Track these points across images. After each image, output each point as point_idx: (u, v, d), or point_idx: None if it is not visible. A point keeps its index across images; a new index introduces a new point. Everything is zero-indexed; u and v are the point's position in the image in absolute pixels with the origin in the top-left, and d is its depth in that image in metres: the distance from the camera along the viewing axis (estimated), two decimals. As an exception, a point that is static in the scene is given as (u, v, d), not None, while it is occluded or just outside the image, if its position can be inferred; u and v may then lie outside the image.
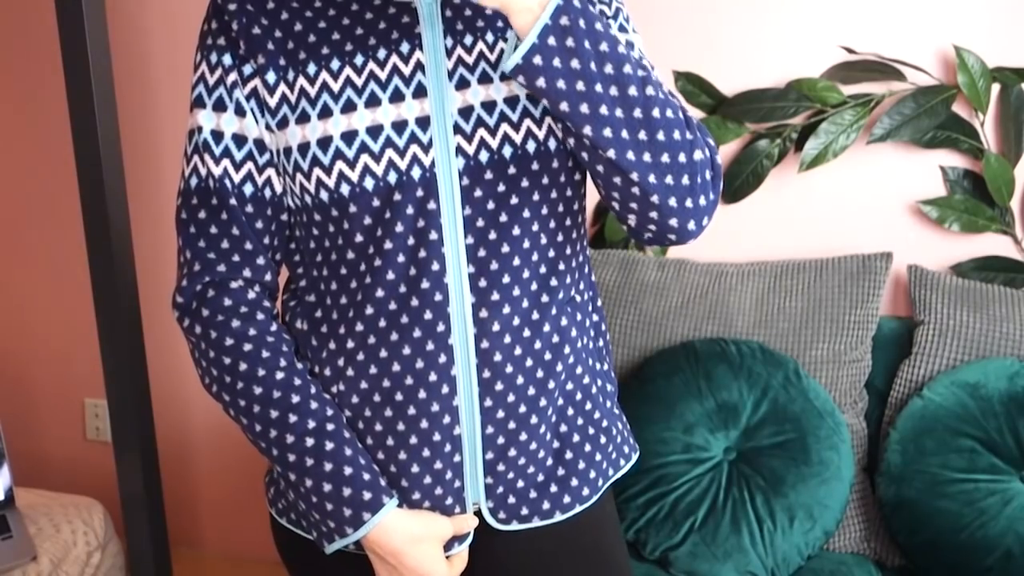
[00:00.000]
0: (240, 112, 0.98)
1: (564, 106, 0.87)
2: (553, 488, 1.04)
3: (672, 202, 0.91)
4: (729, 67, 1.90)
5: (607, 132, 0.88)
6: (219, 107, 0.98)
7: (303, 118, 0.95)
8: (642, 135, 0.88)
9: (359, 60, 0.95)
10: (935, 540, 1.58)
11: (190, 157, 1.00)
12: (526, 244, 0.98)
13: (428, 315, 0.96)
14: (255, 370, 0.97)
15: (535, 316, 0.99)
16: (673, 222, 0.92)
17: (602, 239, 1.97)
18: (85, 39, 1.56)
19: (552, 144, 0.98)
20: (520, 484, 1.03)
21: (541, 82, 0.87)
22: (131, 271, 1.70)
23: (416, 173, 0.95)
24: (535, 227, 0.98)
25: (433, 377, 0.98)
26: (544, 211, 0.99)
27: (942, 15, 1.80)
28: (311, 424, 0.97)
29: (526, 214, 0.97)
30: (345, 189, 0.94)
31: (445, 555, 1.03)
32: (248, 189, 0.99)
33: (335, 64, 0.95)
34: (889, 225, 1.88)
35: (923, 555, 1.61)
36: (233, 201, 0.98)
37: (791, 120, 1.86)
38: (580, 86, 0.87)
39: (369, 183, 0.94)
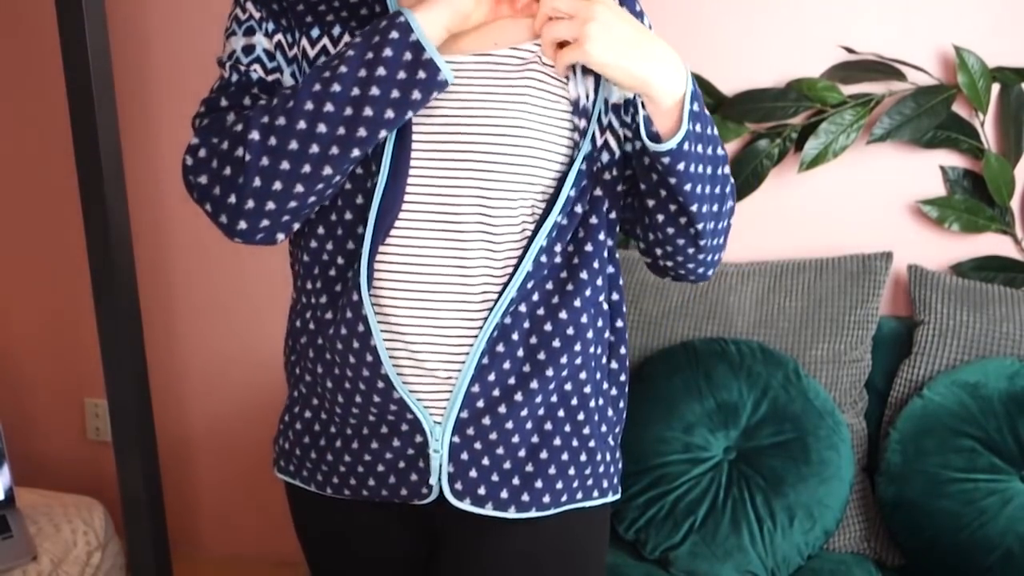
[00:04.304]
0: (266, 35, 1.00)
1: (687, 187, 0.95)
2: (516, 480, 1.02)
3: (709, 245, 1.03)
4: (729, 67, 1.90)
5: (704, 208, 0.98)
6: (248, 33, 1.00)
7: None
8: (715, 207, 1.00)
9: (336, 32, 0.99)
10: (935, 540, 1.58)
11: (218, 78, 1.02)
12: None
13: (355, 296, 0.97)
14: (256, 107, 0.96)
15: (555, 300, 1.01)
16: (702, 266, 1.06)
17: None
18: (85, 39, 1.56)
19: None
20: (485, 461, 1.01)
21: (681, 166, 0.94)
22: (131, 271, 1.70)
23: None
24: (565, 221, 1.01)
25: (353, 361, 0.99)
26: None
27: (942, 15, 1.80)
28: (307, 83, 0.93)
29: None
30: None
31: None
32: (255, 76, 1.00)
33: (315, 33, 0.99)
34: (889, 225, 1.88)
35: (923, 555, 1.61)
36: (251, 87, 1.00)
37: (791, 120, 1.86)
38: (700, 168, 0.96)
39: None
